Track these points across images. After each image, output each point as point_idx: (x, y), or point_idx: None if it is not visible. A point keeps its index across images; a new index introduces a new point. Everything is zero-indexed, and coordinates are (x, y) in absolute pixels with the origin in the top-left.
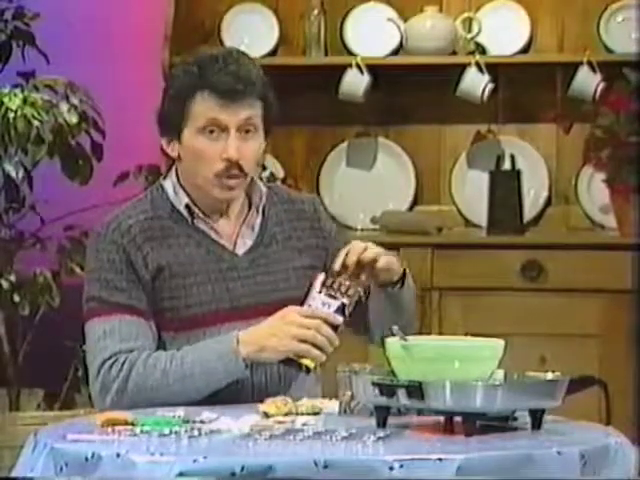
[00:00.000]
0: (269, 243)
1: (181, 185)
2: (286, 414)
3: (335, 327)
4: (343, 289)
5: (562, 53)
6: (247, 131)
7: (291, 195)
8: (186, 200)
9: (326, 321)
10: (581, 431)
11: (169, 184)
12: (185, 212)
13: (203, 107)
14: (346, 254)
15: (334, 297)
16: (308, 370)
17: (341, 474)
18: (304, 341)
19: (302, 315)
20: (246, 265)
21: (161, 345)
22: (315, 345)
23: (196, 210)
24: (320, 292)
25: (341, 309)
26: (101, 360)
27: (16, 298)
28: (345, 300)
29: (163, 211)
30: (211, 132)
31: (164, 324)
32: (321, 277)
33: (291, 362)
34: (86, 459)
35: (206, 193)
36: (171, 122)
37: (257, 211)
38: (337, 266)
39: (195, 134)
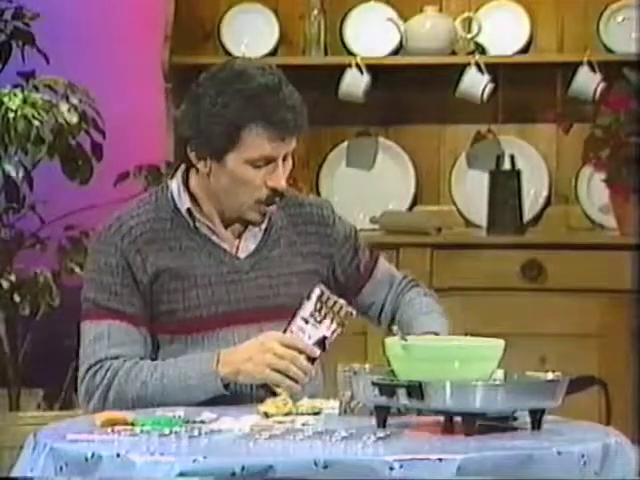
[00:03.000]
0: (272, 247)
1: (187, 188)
2: (286, 414)
3: (313, 359)
4: (336, 308)
5: (562, 53)
6: (286, 158)
7: (299, 198)
8: (188, 205)
9: (304, 352)
10: (581, 431)
11: (175, 186)
12: (187, 216)
13: (257, 141)
14: None
15: (316, 327)
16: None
17: (341, 474)
18: (279, 370)
19: (281, 343)
20: (247, 268)
21: (157, 348)
22: (290, 376)
23: (197, 215)
24: (307, 322)
25: (322, 341)
26: (87, 365)
27: (16, 298)
28: (329, 329)
29: (166, 213)
30: (258, 161)
31: (162, 327)
32: (313, 298)
33: (267, 388)
34: (86, 459)
35: (237, 214)
36: (214, 144)
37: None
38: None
39: (242, 163)
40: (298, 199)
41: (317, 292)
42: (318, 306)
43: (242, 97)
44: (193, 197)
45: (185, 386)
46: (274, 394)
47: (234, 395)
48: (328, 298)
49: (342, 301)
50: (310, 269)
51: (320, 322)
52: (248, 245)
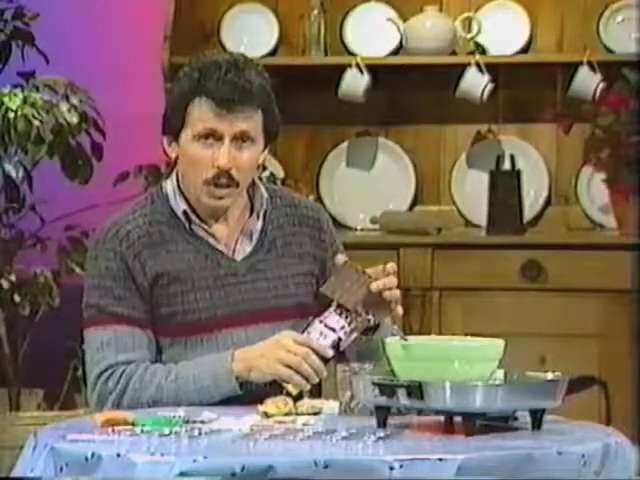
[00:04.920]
0: (268, 249)
1: (180, 189)
2: (286, 414)
3: (325, 359)
4: (354, 314)
5: (562, 53)
6: (243, 140)
7: (295, 199)
8: (184, 207)
9: (316, 352)
10: (581, 431)
11: (170, 187)
12: (183, 218)
13: (200, 114)
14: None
15: (332, 329)
16: (289, 395)
17: (341, 474)
18: (290, 367)
19: (295, 341)
20: (244, 271)
21: (158, 351)
22: (301, 373)
23: (193, 217)
24: (326, 325)
25: (336, 343)
26: (98, 372)
27: (16, 298)
28: (345, 331)
29: (162, 216)
30: (206, 139)
31: (162, 330)
32: (334, 304)
33: (276, 385)
34: (86, 459)
35: (197, 200)
36: (171, 124)
37: (257, 217)
38: (374, 287)
39: (191, 139)
40: (294, 200)
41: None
42: (338, 311)
43: (190, 73)
44: (187, 199)
45: (200, 387)
46: (281, 391)
47: (245, 393)
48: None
49: (360, 307)
50: (306, 270)
51: (337, 325)
52: (244, 247)
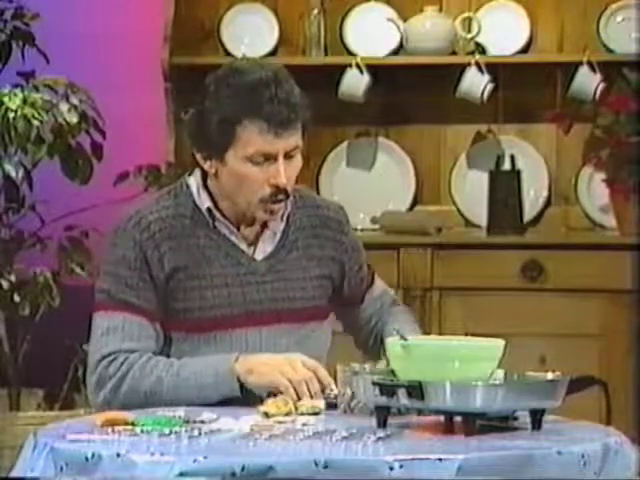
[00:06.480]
0: (290, 250)
1: (205, 187)
2: (286, 414)
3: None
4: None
5: (562, 53)
6: (292, 153)
7: (317, 200)
8: (208, 204)
9: (321, 381)
10: (581, 431)
11: (193, 183)
12: (207, 214)
13: (253, 136)
14: None
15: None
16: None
17: (341, 474)
18: (290, 381)
19: (304, 363)
20: (264, 271)
21: (170, 344)
22: (296, 390)
23: (217, 214)
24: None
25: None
26: (100, 356)
27: (16, 298)
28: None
29: (185, 210)
30: (258, 158)
31: (176, 324)
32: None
33: (267, 398)
34: (86, 459)
35: (247, 213)
36: (214, 142)
37: (281, 218)
38: None
39: (241, 160)
40: (316, 201)
41: None
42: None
43: (236, 92)
44: (211, 196)
45: (200, 384)
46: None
47: (245, 393)
48: None
49: None
50: (325, 274)
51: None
52: (265, 247)
